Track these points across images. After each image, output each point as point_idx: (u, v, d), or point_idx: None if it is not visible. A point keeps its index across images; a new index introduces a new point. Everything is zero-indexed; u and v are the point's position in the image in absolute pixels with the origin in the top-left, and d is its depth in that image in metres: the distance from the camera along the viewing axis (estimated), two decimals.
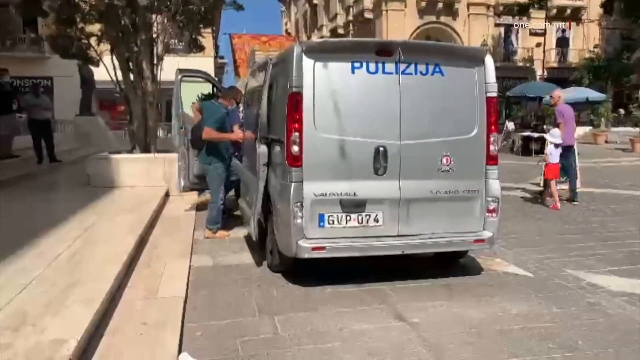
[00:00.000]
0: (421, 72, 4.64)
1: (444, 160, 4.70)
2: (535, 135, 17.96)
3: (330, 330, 3.76)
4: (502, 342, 3.60)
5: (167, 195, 8.80)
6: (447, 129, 4.73)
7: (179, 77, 7.64)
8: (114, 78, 9.85)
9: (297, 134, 4.42)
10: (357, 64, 4.52)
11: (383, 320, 3.97)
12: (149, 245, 5.83)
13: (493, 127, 4.86)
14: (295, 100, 4.42)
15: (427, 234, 4.72)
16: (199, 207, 8.08)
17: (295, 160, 4.44)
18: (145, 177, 9.16)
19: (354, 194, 4.53)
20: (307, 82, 4.43)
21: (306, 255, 4.47)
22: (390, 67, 4.56)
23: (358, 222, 4.58)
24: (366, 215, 4.58)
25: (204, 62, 26.47)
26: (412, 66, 4.61)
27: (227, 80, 49.19)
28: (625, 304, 4.33)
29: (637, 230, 6.83)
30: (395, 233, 4.66)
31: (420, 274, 5.00)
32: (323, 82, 4.47)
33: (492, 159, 4.86)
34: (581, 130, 22.18)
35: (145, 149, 9.91)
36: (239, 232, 6.70)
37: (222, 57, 45.30)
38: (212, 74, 32.09)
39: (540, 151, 16.74)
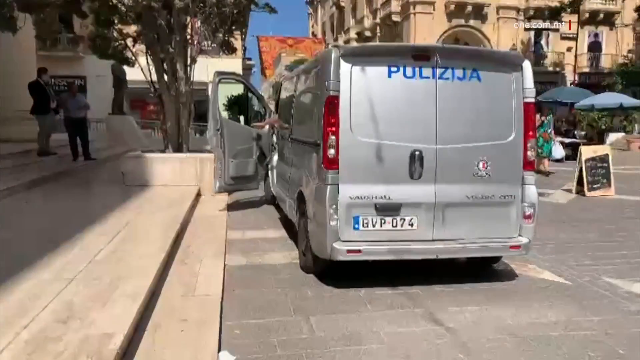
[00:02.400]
0: (458, 77, 4.63)
1: (480, 165, 4.68)
2: (567, 140, 17.71)
3: (366, 333, 3.78)
4: (541, 350, 3.57)
5: (198, 194, 8.94)
6: (483, 134, 4.72)
7: (217, 79, 7.74)
8: (149, 78, 10.05)
9: (333, 137, 4.45)
10: (393, 69, 4.54)
11: (419, 323, 3.98)
12: (183, 244, 5.93)
13: (530, 133, 4.82)
14: (332, 104, 4.46)
15: (462, 238, 4.70)
16: (231, 207, 8.22)
17: (332, 163, 4.48)
18: (178, 176, 9.34)
19: (389, 197, 4.54)
20: (344, 86, 4.46)
21: (341, 258, 4.49)
22: (427, 71, 4.57)
23: (392, 226, 4.58)
24: (401, 219, 4.58)
25: (233, 63, 26.75)
26: (449, 71, 4.61)
27: (254, 81, 49.67)
28: None
29: None
30: (430, 237, 4.65)
31: (454, 277, 4.98)
32: (359, 86, 4.49)
33: (529, 165, 4.83)
34: (614, 137, 21.80)
35: (178, 149, 10.09)
36: (270, 233, 6.78)
37: (250, 59, 45.75)
38: (241, 74, 32.52)
39: (572, 157, 16.54)
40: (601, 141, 18.85)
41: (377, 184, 4.54)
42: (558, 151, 14.95)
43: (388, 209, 4.54)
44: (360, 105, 4.49)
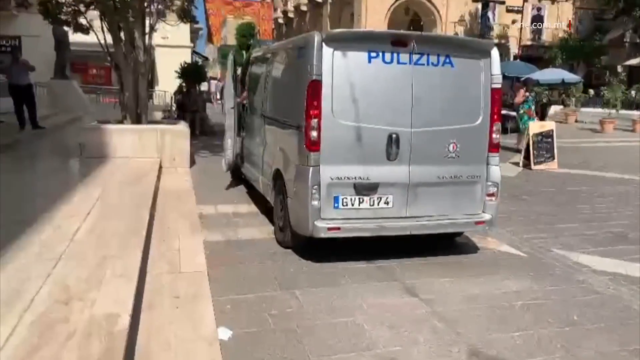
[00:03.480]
0: (432, 63, 4.86)
1: (451, 147, 4.98)
2: (512, 113, 18.47)
3: (351, 305, 4.06)
4: (508, 317, 3.97)
5: (160, 167, 8.87)
6: (454, 118, 5.00)
7: (232, 56, 7.74)
8: (105, 46, 9.73)
9: (316, 120, 4.63)
10: (373, 54, 4.72)
11: (397, 295, 4.30)
12: (157, 219, 5.96)
13: (496, 117, 5.14)
14: (315, 88, 4.62)
15: (433, 215, 5.05)
16: (195, 180, 8.25)
17: (314, 145, 4.67)
18: (138, 148, 9.19)
19: (367, 177, 4.80)
20: (326, 71, 4.62)
21: (322, 235, 4.74)
22: (404, 57, 4.78)
23: (370, 204, 4.86)
24: (378, 197, 4.86)
25: (182, 27, 25.91)
26: (425, 57, 4.83)
27: (199, 46, 48.35)
28: (610, 282, 4.75)
29: (615, 212, 7.34)
30: (404, 215, 4.96)
31: (422, 251, 5.32)
32: (341, 70, 4.66)
33: (494, 147, 5.17)
34: (553, 110, 22.97)
35: (137, 120, 9.90)
36: (241, 208, 6.91)
37: (197, 22, 44.31)
38: (188, 39, 31.54)
39: (516, 130, 17.33)
40: (543, 113, 19.81)
41: (356, 165, 4.78)
42: None
43: (366, 189, 4.81)
44: (341, 90, 4.66)
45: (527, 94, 12.88)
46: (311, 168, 4.69)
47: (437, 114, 4.94)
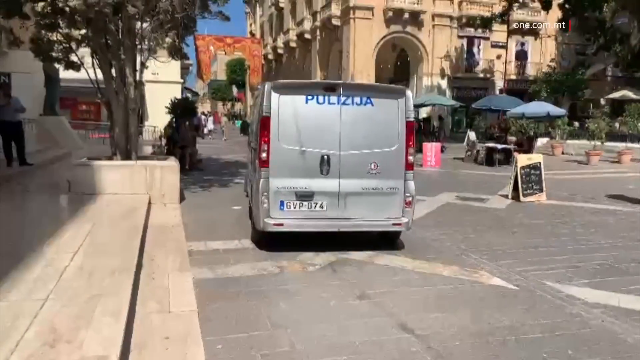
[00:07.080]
0: (356, 103, 6.35)
1: (372, 166, 6.40)
2: (500, 146, 18.74)
3: (342, 343, 4.00)
4: (502, 352, 3.93)
5: (149, 203, 8.83)
6: (375, 143, 6.39)
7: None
8: (95, 83, 9.80)
9: (265, 144, 6.20)
10: (309, 97, 6.27)
11: (391, 332, 4.24)
12: (146, 256, 5.90)
13: (411, 143, 6.49)
14: (265, 121, 6.20)
15: (358, 217, 6.40)
16: (185, 216, 8.20)
17: (264, 163, 6.21)
18: (128, 184, 9.16)
19: (305, 187, 6.25)
20: (273, 109, 6.18)
21: (269, 229, 6.20)
22: (334, 99, 6.30)
23: (308, 208, 6.30)
24: (314, 203, 6.30)
25: (172, 64, 26.20)
26: (350, 99, 6.32)
27: (190, 82, 48.86)
28: (603, 315, 4.74)
29: (605, 243, 7.38)
30: (335, 216, 6.35)
31: (415, 286, 5.32)
32: (285, 109, 6.20)
33: (409, 166, 6.51)
34: (540, 142, 23.32)
35: (127, 156, 9.89)
36: (230, 244, 6.87)
37: (187, 58, 44.88)
38: (179, 74, 31.81)
39: (505, 161, 17.55)
40: (530, 146, 20.07)
41: (297, 178, 6.25)
42: None
43: (305, 196, 6.28)
44: (285, 122, 6.20)
45: None
46: (262, 179, 6.19)
47: (360, 141, 6.34)
